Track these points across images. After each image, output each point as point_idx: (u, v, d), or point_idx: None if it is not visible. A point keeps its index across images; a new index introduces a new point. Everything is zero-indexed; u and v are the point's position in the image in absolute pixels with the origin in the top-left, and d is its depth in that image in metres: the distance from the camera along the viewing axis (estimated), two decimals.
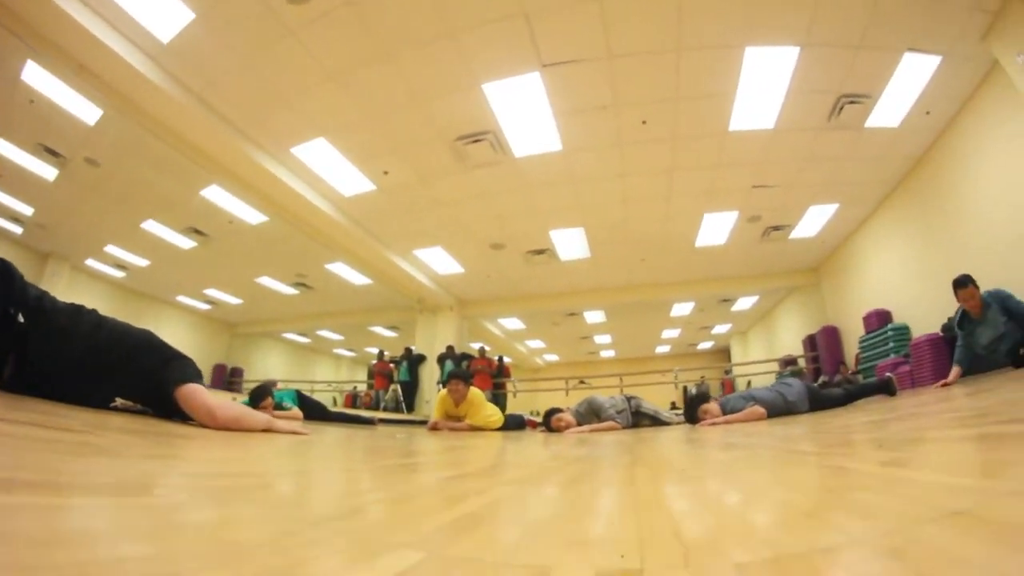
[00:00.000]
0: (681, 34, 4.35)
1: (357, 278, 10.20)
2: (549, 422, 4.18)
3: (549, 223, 7.68)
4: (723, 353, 16.71)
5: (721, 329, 14.84)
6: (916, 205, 6.55)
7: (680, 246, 8.56)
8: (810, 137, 5.81)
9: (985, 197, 5.18)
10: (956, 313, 3.99)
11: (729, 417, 3.50)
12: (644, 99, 5.11)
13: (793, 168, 6.43)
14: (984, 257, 5.11)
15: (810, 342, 9.94)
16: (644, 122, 5.45)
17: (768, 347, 12.98)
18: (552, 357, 18.21)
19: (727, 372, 14.58)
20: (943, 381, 3.88)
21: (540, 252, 8.62)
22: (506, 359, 11.17)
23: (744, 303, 12.18)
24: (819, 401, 3.71)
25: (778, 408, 3.53)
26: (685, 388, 12.32)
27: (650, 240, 8.24)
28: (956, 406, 2.01)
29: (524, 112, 5.26)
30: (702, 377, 14.11)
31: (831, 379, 7.99)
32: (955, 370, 3.84)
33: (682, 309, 12.33)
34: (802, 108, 5.32)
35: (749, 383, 12.74)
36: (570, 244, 8.34)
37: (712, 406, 3.70)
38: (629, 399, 4.26)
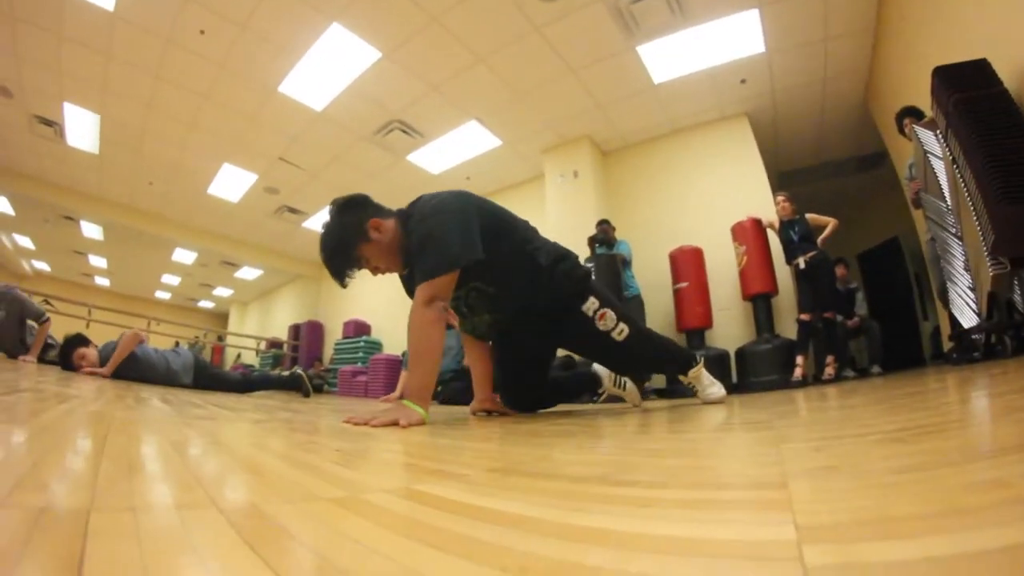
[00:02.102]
0: None
1: None
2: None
3: (67, 91, 5.12)
4: (223, 318, 15.34)
5: (223, 292, 13.60)
6: None
7: (192, 185, 7.17)
8: (351, 139, 5.83)
9: None
10: None
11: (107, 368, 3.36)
12: (216, 7, 4.04)
13: (325, 159, 6.31)
14: None
15: (295, 331, 10.03)
16: (202, 32, 4.28)
17: (262, 325, 12.59)
18: (43, 266, 12.58)
19: (220, 339, 13.43)
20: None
21: (48, 123, 5.68)
22: None
23: (248, 273, 11.44)
24: (209, 378, 3.72)
25: (158, 372, 3.49)
26: (177, 343, 10.47)
27: (163, 164, 6.58)
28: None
29: None
30: (196, 338, 12.43)
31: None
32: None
33: (185, 256, 10.63)
34: (357, 109, 5.26)
35: (239, 356, 12.24)
36: (81, 129, 5.82)
37: (90, 351, 3.50)
38: None
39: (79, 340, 3.55)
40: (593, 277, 1.96)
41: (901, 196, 6.28)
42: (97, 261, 11.69)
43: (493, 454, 0.84)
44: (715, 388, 2.07)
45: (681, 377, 2.06)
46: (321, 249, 1.62)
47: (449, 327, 1.73)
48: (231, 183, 7.09)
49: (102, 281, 13.48)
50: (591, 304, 1.83)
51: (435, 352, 1.52)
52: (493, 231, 1.65)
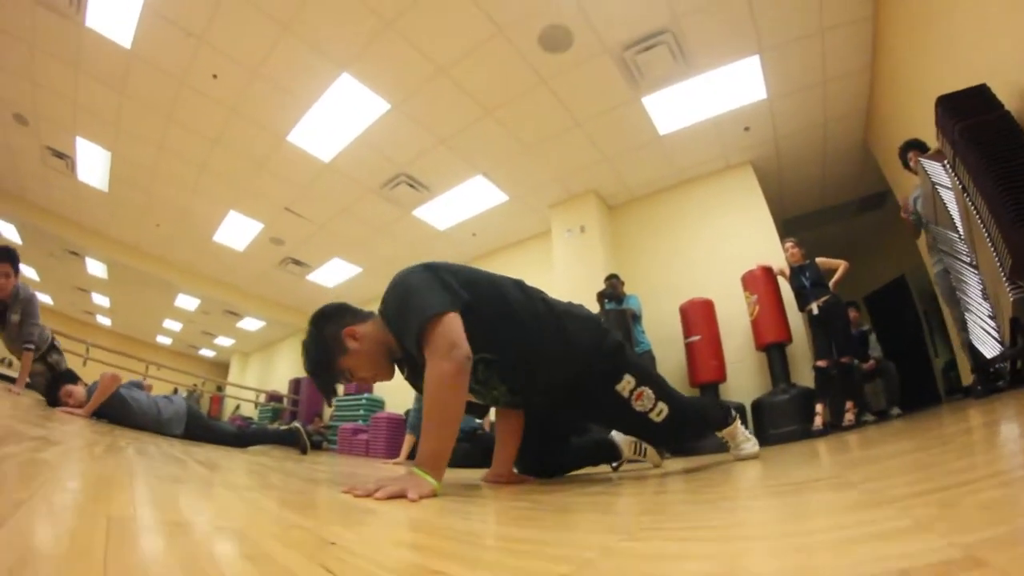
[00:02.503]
0: (294, 20, 3.84)
1: None
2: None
3: (80, 125, 5.21)
4: (223, 368, 15.12)
5: (225, 342, 13.48)
6: None
7: (198, 230, 7.19)
8: (358, 191, 5.87)
9: None
10: None
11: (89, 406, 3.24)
12: (229, 52, 4.15)
13: (331, 211, 6.35)
14: None
15: (296, 385, 9.83)
16: (215, 76, 4.38)
17: (263, 377, 12.38)
18: (45, 299, 12.48)
19: (220, 389, 13.22)
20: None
21: (60, 156, 5.75)
22: None
23: (250, 323, 11.36)
24: (202, 429, 3.60)
25: (147, 418, 3.35)
26: (176, 390, 10.24)
27: (172, 207, 6.62)
28: None
29: None
30: (195, 386, 12.25)
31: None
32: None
33: (188, 303, 10.62)
34: (364, 161, 5.31)
35: (238, 407, 12.01)
36: (92, 165, 5.88)
37: (78, 389, 3.40)
38: None
39: (69, 376, 3.53)
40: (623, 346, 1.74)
41: (905, 234, 6.32)
42: (100, 299, 11.62)
43: (524, 544, 0.64)
44: (749, 444, 2.02)
45: (719, 432, 2.02)
46: (304, 367, 1.50)
47: None
48: (237, 231, 7.11)
49: (103, 320, 13.35)
50: (627, 383, 1.63)
51: (455, 411, 1.26)
52: (484, 292, 1.47)
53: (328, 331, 1.46)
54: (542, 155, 5.28)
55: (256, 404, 10.89)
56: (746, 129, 5.14)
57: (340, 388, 1.55)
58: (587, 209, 5.87)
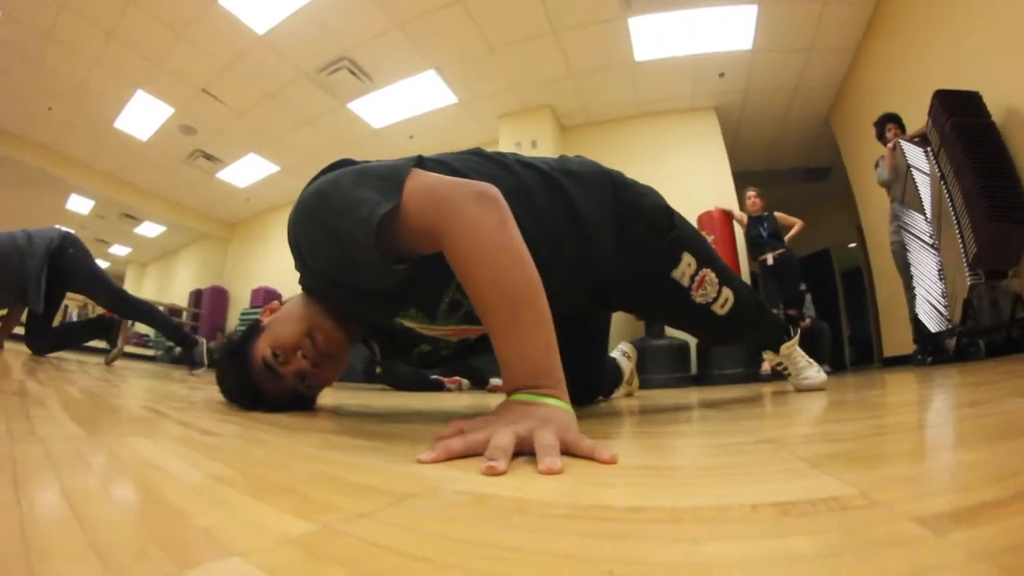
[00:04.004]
0: None
1: None
2: None
3: None
4: (118, 280, 13.39)
5: (120, 251, 11.89)
6: None
7: (98, 114, 6.02)
8: (291, 74, 5.08)
9: None
10: None
11: None
12: None
13: (255, 96, 5.50)
14: None
15: (197, 297, 8.94)
16: None
17: (161, 289, 11.19)
18: None
19: None
20: None
21: None
22: None
23: (150, 229, 10.06)
24: None
25: None
26: (65, 307, 8.88)
27: (68, 84, 5.42)
28: None
29: None
30: (85, 303, 10.72)
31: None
32: None
33: (81, 205, 9.09)
34: (305, 37, 4.56)
35: (132, 324, 10.64)
36: None
37: None
38: None
39: None
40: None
41: (837, 210, 6.64)
42: None
43: None
44: (813, 371, 1.57)
45: (769, 355, 1.61)
46: (221, 390, 1.15)
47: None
48: (143, 116, 6.03)
49: None
50: (686, 267, 1.15)
51: (534, 275, 0.70)
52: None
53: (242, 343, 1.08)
54: (506, 59, 4.80)
55: None
56: (721, 75, 5.00)
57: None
58: (541, 125, 5.50)
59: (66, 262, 2.77)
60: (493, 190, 0.75)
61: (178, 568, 0.22)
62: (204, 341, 3.30)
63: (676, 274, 1.14)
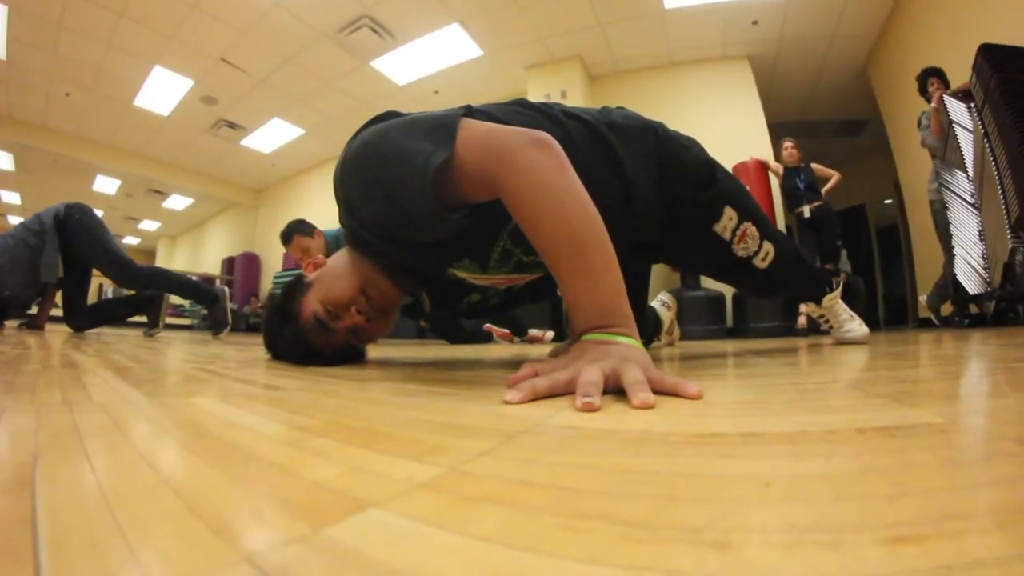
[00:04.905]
0: None
1: None
2: None
3: None
4: (150, 255, 13.82)
5: (150, 226, 12.13)
6: None
7: (116, 94, 6.04)
8: (311, 36, 4.99)
9: None
10: None
11: None
12: None
13: (275, 61, 5.43)
14: None
15: (229, 265, 9.09)
16: None
17: (193, 260, 11.47)
18: None
19: None
20: None
21: None
22: None
23: (177, 202, 10.21)
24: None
25: None
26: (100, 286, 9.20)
27: (84, 68, 5.42)
28: None
29: None
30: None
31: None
32: None
33: (107, 185, 9.21)
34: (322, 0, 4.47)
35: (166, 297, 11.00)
36: None
37: None
38: None
39: None
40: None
41: (872, 165, 6.39)
42: (10, 197, 10.01)
43: None
44: (855, 324, 1.57)
45: (808, 308, 1.62)
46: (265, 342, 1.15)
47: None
48: (162, 91, 6.02)
49: (15, 220, 11.62)
50: (728, 221, 1.14)
51: (596, 216, 0.70)
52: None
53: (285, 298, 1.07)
54: (531, 9, 4.63)
55: None
56: (754, 23, 4.77)
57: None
58: (570, 75, 5.34)
59: (73, 229, 2.74)
60: (548, 136, 0.74)
61: (312, 528, 0.19)
62: (226, 291, 3.11)
63: (718, 228, 1.15)
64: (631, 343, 0.60)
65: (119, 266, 2.81)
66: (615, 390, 0.51)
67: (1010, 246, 2.68)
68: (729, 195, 1.16)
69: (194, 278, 3.85)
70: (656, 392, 0.49)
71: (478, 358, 1.49)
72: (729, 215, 1.14)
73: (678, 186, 1.10)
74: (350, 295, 0.99)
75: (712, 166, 1.16)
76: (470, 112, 0.85)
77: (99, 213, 9.47)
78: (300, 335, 1.00)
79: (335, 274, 1.03)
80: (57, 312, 3.03)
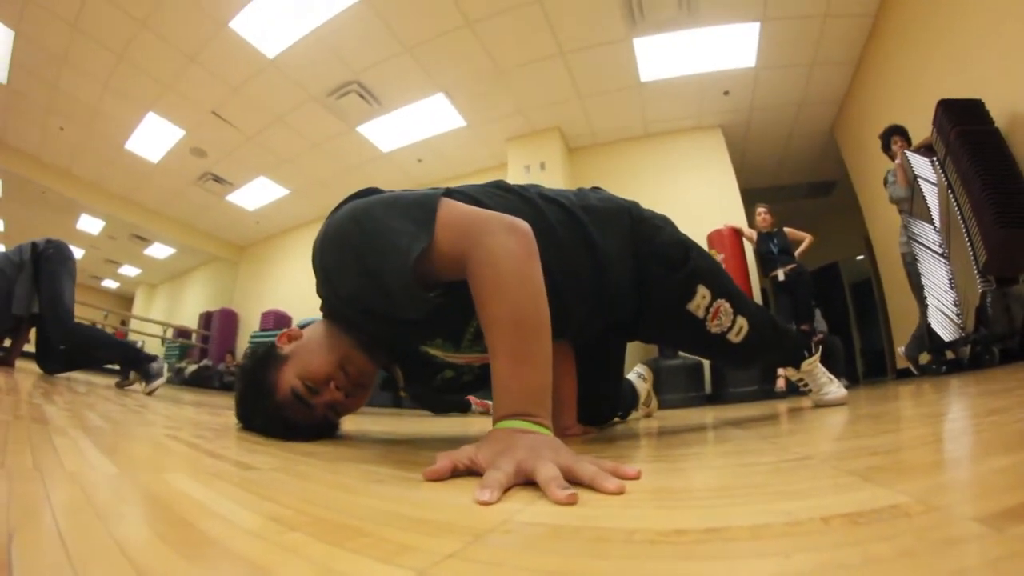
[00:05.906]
0: None
1: None
2: None
3: None
4: (127, 301, 13.54)
5: (130, 271, 11.94)
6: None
7: (108, 136, 6.10)
8: (301, 98, 5.14)
9: None
10: None
11: None
12: None
13: (266, 119, 5.56)
14: None
15: (207, 320, 8.93)
16: None
17: (170, 311, 11.19)
18: None
19: (123, 324, 11.76)
20: None
21: None
22: None
23: (159, 250, 10.12)
24: None
25: None
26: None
27: (81, 105, 5.50)
28: None
29: None
30: (95, 323, 10.76)
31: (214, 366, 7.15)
32: None
33: (91, 225, 9.14)
34: (315, 61, 4.63)
35: (142, 344, 10.61)
36: None
37: None
38: None
39: None
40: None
41: (843, 223, 6.63)
42: None
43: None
44: (834, 386, 1.59)
45: (787, 372, 1.64)
46: (236, 414, 1.14)
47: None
48: (154, 138, 6.10)
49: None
50: (701, 299, 1.18)
51: (545, 312, 0.73)
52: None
53: (260, 368, 1.04)
54: (514, 82, 4.86)
55: (163, 340, 9.81)
56: (726, 93, 5.05)
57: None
58: (549, 146, 5.54)
59: (44, 263, 2.65)
60: (524, 225, 0.78)
61: None
62: (161, 359, 2.87)
63: (691, 306, 1.18)
64: (546, 433, 0.63)
65: (59, 318, 2.61)
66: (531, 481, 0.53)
67: (980, 290, 2.79)
68: (702, 273, 1.19)
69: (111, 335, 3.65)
70: (572, 483, 0.50)
71: (452, 435, 1.49)
72: (703, 293, 1.18)
73: (652, 267, 1.14)
74: (329, 370, 0.98)
75: (685, 245, 1.21)
76: (449, 193, 0.90)
77: (80, 252, 9.21)
78: (278, 411, 0.98)
79: (312, 348, 1.01)
80: (31, 348, 2.92)
